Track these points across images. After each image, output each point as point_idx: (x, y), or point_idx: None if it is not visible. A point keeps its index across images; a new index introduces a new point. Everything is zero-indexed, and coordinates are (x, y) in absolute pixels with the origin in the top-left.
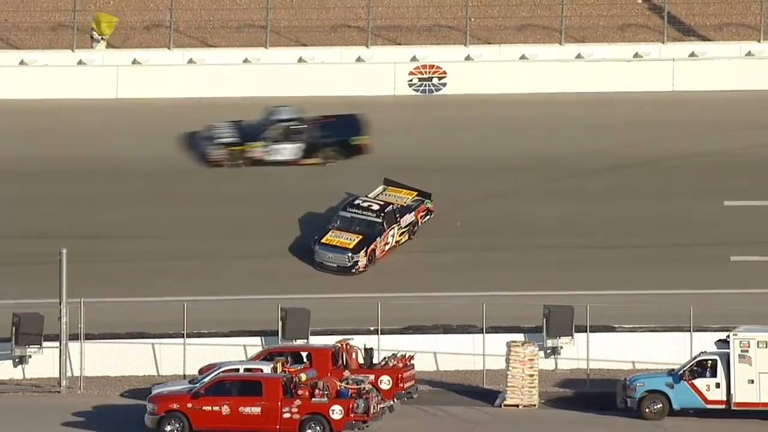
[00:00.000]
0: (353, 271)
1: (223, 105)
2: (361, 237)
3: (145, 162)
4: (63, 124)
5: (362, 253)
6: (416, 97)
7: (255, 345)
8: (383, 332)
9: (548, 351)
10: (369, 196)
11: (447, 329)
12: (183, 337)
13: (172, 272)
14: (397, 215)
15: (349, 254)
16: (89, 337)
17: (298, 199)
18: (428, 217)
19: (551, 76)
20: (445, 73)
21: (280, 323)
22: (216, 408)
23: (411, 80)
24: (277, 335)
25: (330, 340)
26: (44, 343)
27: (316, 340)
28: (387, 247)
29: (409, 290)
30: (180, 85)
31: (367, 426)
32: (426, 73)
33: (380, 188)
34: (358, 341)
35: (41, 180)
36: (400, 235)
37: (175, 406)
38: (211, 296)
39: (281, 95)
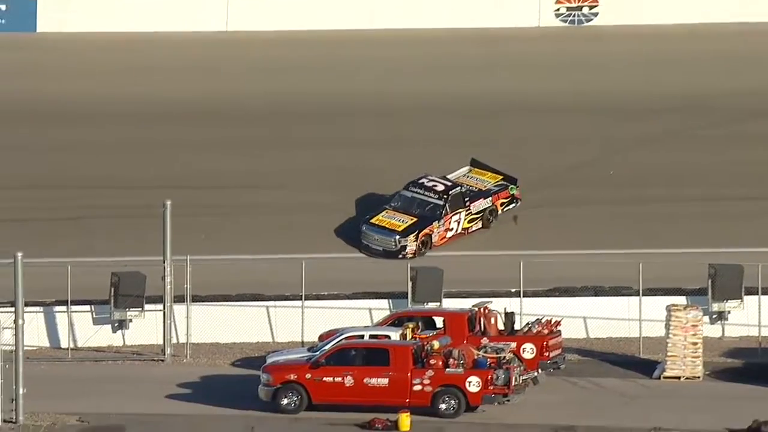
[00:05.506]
0: (400, 257)
1: (342, 38)
2: (414, 219)
3: (259, 101)
4: (167, 60)
5: (411, 237)
6: (563, 29)
7: (382, 309)
8: (526, 294)
9: (714, 316)
10: (449, 176)
11: (598, 291)
12: (301, 299)
13: (289, 227)
14: (467, 199)
15: (397, 237)
16: (196, 299)
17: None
18: (512, 204)
19: (717, 3)
20: (596, 1)
21: (409, 284)
22: (338, 379)
23: (558, 10)
24: (407, 298)
25: (466, 304)
26: (146, 306)
27: (450, 304)
28: (450, 234)
29: (556, 247)
30: (293, 17)
31: (508, 400)
32: (575, 1)
33: (465, 169)
34: (498, 305)
35: (142, 123)
36: (468, 222)
37: (292, 376)
38: (333, 254)
39: (414, 27)
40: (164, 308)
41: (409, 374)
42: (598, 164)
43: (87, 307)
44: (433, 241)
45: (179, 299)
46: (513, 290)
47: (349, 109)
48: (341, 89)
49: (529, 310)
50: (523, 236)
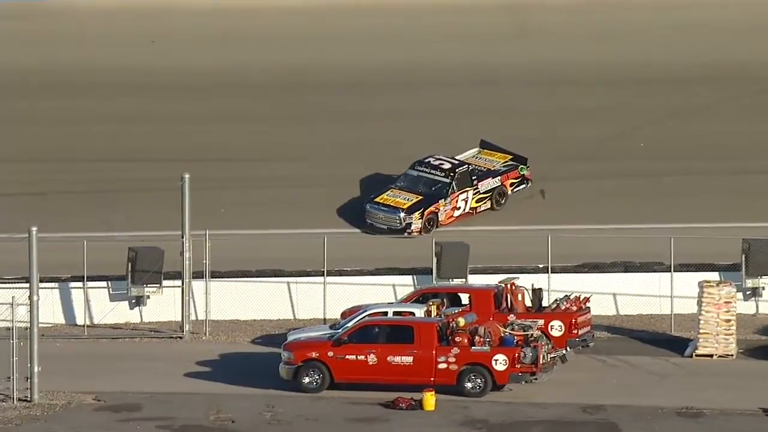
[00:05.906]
0: (406, 234)
1: (360, 8)
2: (420, 198)
3: (276, 71)
4: (180, 29)
5: (416, 214)
6: None
7: (406, 285)
8: (554, 270)
9: (748, 292)
10: (457, 157)
11: (628, 267)
12: (323, 275)
13: (309, 201)
14: (474, 178)
15: (402, 214)
16: (215, 275)
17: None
18: (523, 186)
19: None
20: None
21: (434, 260)
22: (361, 357)
23: None
24: (432, 274)
25: (492, 280)
26: (164, 282)
27: (476, 280)
28: (457, 213)
29: (585, 222)
30: None
31: (536, 379)
32: None
33: (474, 150)
34: (525, 281)
35: (162, 93)
36: (477, 202)
37: (314, 354)
38: (355, 229)
39: None
40: (183, 284)
41: (434, 352)
42: (627, 136)
43: (103, 283)
44: (439, 219)
45: (198, 275)
46: (541, 266)
47: (367, 81)
48: (359, 61)
49: (557, 286)
50: (551, 210)
